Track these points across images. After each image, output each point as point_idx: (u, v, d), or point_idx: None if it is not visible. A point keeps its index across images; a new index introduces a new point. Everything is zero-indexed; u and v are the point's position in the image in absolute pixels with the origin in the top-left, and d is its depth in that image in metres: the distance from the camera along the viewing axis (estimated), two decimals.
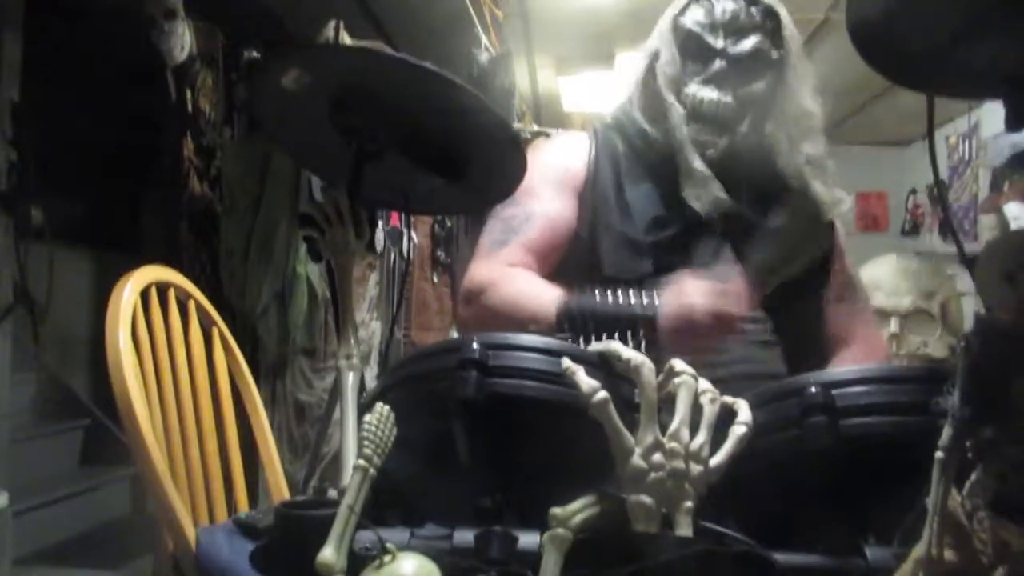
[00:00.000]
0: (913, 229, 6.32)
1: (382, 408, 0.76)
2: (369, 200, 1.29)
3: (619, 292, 1.14)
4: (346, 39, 2.77)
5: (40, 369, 3.23)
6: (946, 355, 2.39)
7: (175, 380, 1.23)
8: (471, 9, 3.55)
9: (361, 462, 0.73)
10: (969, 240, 4.79)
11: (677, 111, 1.31)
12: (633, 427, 0.75)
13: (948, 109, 4.62)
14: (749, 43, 1.31)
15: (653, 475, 0.73)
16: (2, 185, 2.46)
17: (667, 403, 0.78)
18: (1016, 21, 0.81)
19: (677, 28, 1.35)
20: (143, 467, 1.07)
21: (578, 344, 1.14)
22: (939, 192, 3.51)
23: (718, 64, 1.31)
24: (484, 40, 3.62)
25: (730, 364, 1.19)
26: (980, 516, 0.62)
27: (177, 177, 2.92)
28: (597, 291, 1.15)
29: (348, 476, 0.75)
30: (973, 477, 0.63)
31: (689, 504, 0.74)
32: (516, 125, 3.62)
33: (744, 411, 0.81)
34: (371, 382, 1.50)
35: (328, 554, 0.69)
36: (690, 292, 1.12)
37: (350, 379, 1.27)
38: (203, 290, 1.39)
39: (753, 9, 1.32)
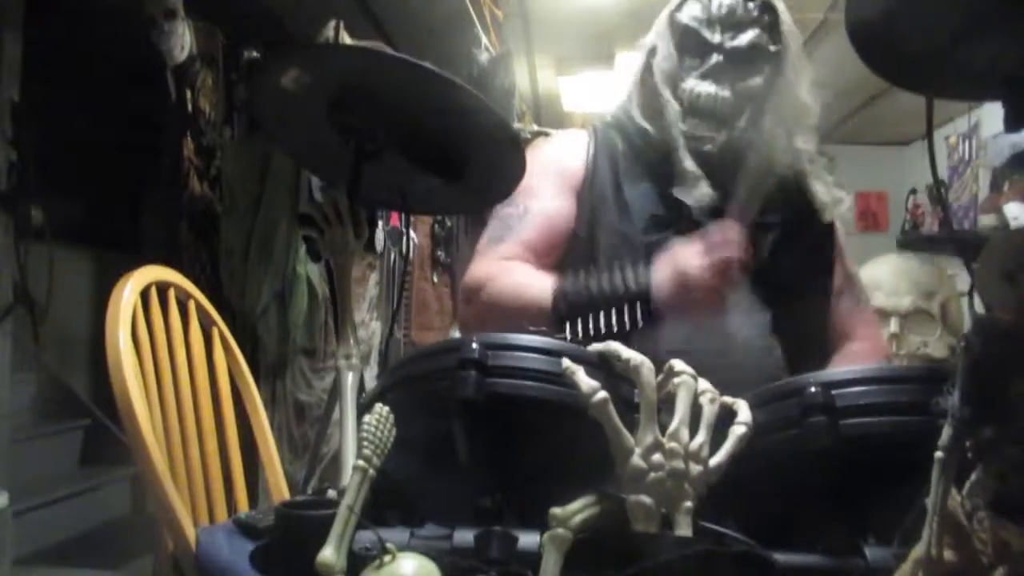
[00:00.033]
0: (913, 229, 6.31)
1: (382, 408, 0.76)
2: (368, 200, 1.29)
3: (614, 270, 1.19)
4: (346, 39, 2.77)
5: (40, 369, 3.23)
6: (946, 355, 2.39)
7: (175, 380, 1.23)
8: (471, 9, 3.55)
9: (361, 462, 0.73)
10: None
11: (673, 107, 1.31)
12: (633, 427, 0.75)
13: (948, 109, 4.62)
14: (746, 37, 1.31)
15: (653, 475, 0.73)
16: (2, 185, 2.45)
17: (667, 403, 0.78)
18: (1016, 21, 0.81)
19: (674, 23, 1.35)
20: (143, 467, 1.07)
21: (578, 325, 1.16)
22: (939, 192, 3.51)
23: (715, 59, 1.31)
24: (484, 40, 3.61)
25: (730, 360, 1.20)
26: (980, 516, 0.62)
27: (177, 177, 2.92)
28: (592, 272, 1.20)
29: (348, 476, 0.75)
30: (973, 477, 0.63)
31: (689, 504, 0.74)
32: (516, 125, 3.62)
33: (744, 411, 0.81)
34: (371, 382, 1.50)
35: (328, 554, 0.69)
36: (681, 254, 1.17)
37: (350, 379, 1.27)
38: (203, 290, 1.39)
39: (750, 4, 1.32)
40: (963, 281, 2.60)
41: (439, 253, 3.84)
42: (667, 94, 1.32)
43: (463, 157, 1.28)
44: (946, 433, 0.62)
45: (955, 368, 0.63)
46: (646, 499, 0.73)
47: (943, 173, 5.04)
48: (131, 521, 3.31)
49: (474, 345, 0.80)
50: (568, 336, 1.16)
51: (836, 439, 0.77)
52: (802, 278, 1.34)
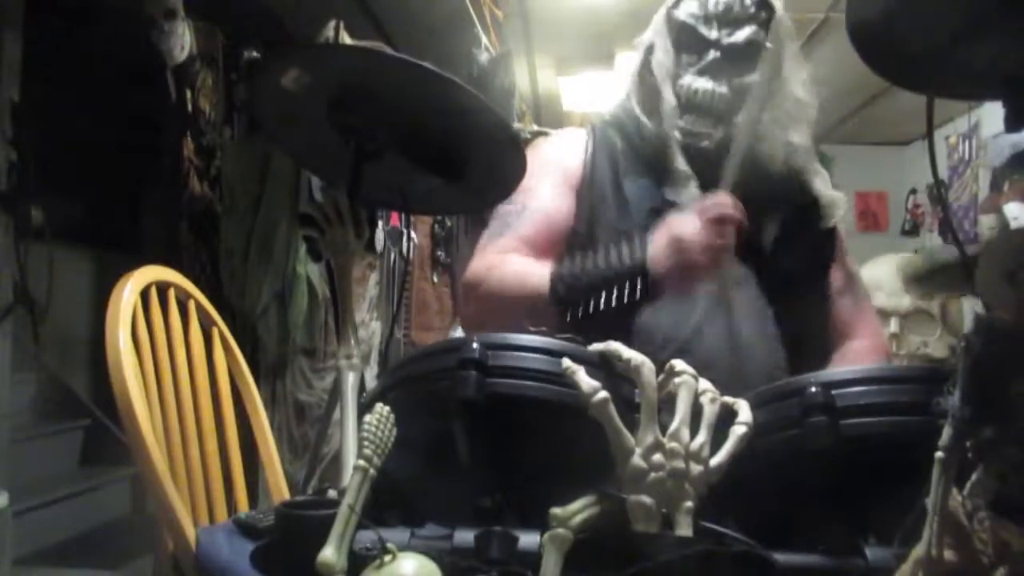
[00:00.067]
0: (913, 229, 6.32)
1: (382, 408, 0.76)
2: (369, 200, 1.29)
3: (609, 248, 1.21)
4: (346, 39, 2.77)
5: (40, 369, 3.23)
6: (946, 355, 2.39)
7: (175, 380, 1.23)
8: (471, 9, 3.55)
9: (361, 462, 0.73)
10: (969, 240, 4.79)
11: (669, 104, 1.31)
12: (633, 427, 0.75)
13: (948, 109, 4.62)
14: (743, 34, 1.31)
15: (653, 475, 0.73)
16: (2, 185, 2.45)
17: (667, 403, 0.78)
18: (1016, 21, 0.81)
19: (671, 20, 1.35)
20: (143, 467, 1.06)
21: (578, 306, 1.17)
22: (939, 192, 3.51)
23: (712, 55, 1.31)
24: (484, 40, 3.62)
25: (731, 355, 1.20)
26: (980, 516, 0.62)
27: (177, 177, 2.92)
28: (588, 256, 1.21)
29: (348, 476, 0.75)
30: (973, 477, 0.63)
31: (689, 504, 0.74)
32: (516, 125, 3.62)
33: (744, 411, 0.81)
34: (371, 382, 1.50)
35: (328, 554, 0.69)
36: (675, 221, 1.19)
37: (350, 379, 1.27)
38: (203, 290, 1.39)
39: (747, 1, 1.32)
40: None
41: (439, 253, 3.84)
42: (665, 90, 1.32)
43: (463, 157, 1.28)
44: (946, 433, 0.62)
45: (955, 368, 0.63)
46: (646, 499, 0.73)
47: (943, 173, 5.04)
48: (131, 521, 3.31)
49: (474, 345, 0.80)
50: (568, 317, 1.17)
51: (836, 439, 0.77)
52: (803, 275, 1.34)
